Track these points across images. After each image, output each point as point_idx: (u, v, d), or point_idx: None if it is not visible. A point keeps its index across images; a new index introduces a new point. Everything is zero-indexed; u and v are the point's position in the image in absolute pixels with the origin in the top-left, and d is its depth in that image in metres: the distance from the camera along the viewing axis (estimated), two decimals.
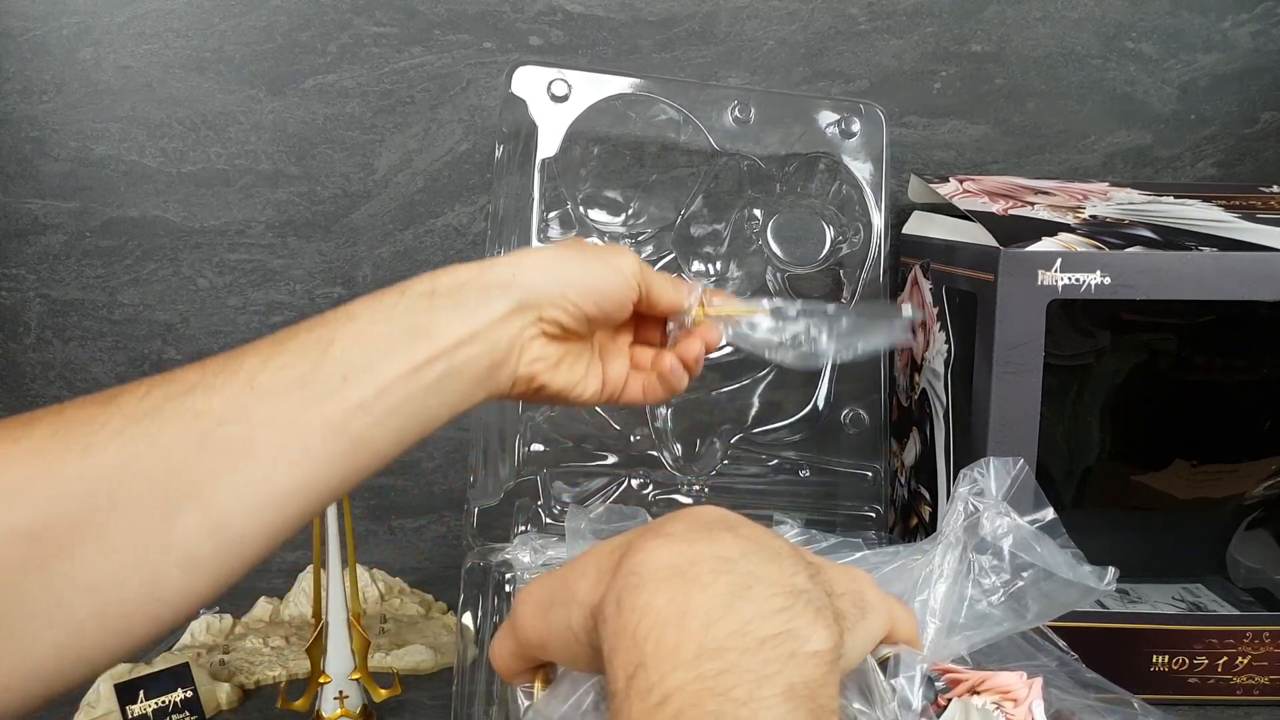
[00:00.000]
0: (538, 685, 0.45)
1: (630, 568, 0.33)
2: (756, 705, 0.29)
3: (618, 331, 0.58)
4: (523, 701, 0.47)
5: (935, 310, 0.74)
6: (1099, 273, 0.60)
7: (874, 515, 0.76)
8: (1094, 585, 0.44)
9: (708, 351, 0.56)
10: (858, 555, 0.49)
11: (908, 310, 0.60)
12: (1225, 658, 0.66)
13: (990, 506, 0.45)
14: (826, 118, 0.77)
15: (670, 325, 0.57)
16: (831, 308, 0.56)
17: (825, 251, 0.78)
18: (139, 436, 0.37)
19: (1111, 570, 0.44)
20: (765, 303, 0.56)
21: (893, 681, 0.42)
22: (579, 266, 0.51)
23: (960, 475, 0.47)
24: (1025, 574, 0.44)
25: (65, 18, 0.84)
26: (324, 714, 0.62)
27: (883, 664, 0.44)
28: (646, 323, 0.58)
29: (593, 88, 0.73)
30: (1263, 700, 0.67)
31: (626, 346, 0.58)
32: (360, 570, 0.79)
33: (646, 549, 0.33)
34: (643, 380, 0.57)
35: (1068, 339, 0.81)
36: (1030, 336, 0.61)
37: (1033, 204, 0.70)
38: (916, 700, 0.40)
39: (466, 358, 0.46)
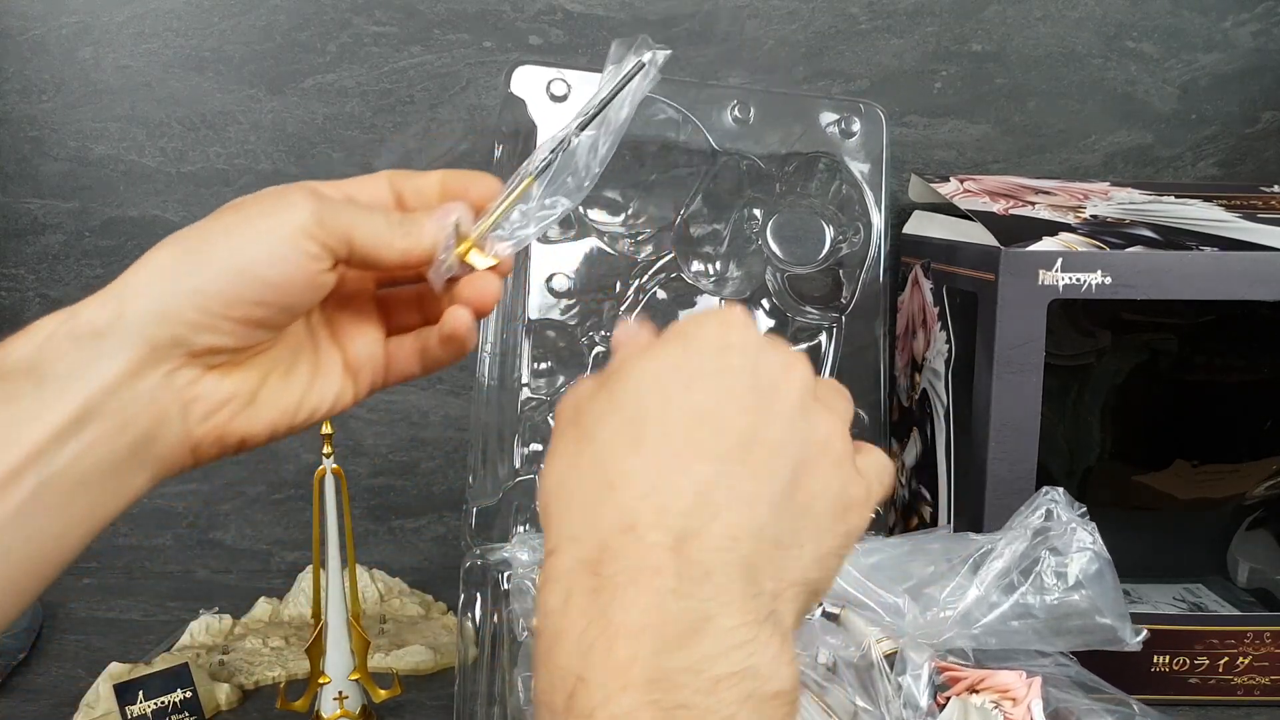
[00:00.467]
0: None
1: (587, 563, 0.28)
2: None
3: (345, 297, 0.41)
4: (521, 635, 0.46)
5: (936, 310, 0.74)
6: (1100, 272, 0.60)
7: (875, 515, 0.75)
8: (1126, 638, 0.45)
9: (503, 276, 0.41)
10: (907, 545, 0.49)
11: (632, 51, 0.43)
12: (1226, 658, 0.66)
13: (1077, 521, 0.46)
14: (826, 117, 0.77)
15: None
16: (572, 124, 0.42)
17: (825, 251, 0.77)
18: None
19: (1144, 631, 0.45)
20: (526, 167, 0.41)
21: (899, 679, 0.42)
22: (213, 257, 0.34)
23: (1042, 490, 0.48)
24: (1077, 595, 0.45)
25: (64, 17, 0.84)
26: (323, 715, 0.62)
27: (889, 658, 0.44)
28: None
29: (592, 87, 0.73)
30: (1264, 701, 0.67)
31: (370, 306, 0.42)
32: (360, 570, 0.79)
33: (610, 546, 0.28)
34: (415, 346, 0.42)
35: (1068, 339, 0.81)
36: (1031, 336, 0.61)
37: (1033, 204, 0.70)
38: (924, 699, 0.40)
39: (78, 451, 0.32)
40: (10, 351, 0.33)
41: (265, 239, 0.35)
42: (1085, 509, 0.47)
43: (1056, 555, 0.46)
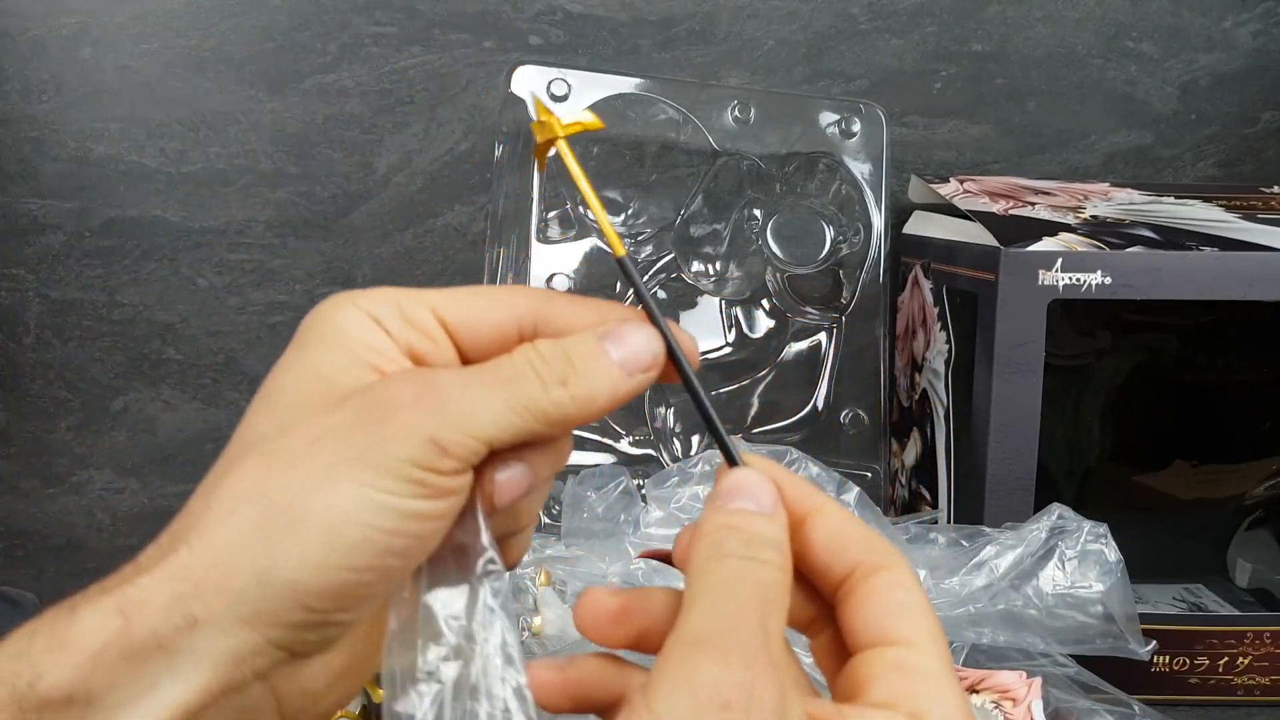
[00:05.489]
0: None
1: None
2: None
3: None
4: (522, 635, 0.46)
5: (936, 310, 0.74)
6: (1100, 272, 0.60)
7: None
8: (1136, 647, 0.45)
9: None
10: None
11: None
12: (1226, 658, 0.66)
13: (1091, 530, 0.46)
14: (827, 117, 0.77)
15: None
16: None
17: (825, 252, 0.77)
18: None
19: (1153, 643, 0.45)
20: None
21: None
22: (308, 522, 0.24)
23: (1051, 505, 0.50)
24: (1087, 596, 0.45)
25: (64, 17, 0.84)
26: None
27: None
28: None
29: (592, 87, 0.73)
30: (1264, 701, 0.66)
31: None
32: None
33: None
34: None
35: (1068, 339, 0.81)
36: (1031, 336, 0.61)
37: (1033, 204, 0.70)
38: None
39: None
40: (45, 672, 0.23)
41: (369, 475, 0.24)
42: (1104, 528, 0.47)
43: (1069, 555, 0.46)
